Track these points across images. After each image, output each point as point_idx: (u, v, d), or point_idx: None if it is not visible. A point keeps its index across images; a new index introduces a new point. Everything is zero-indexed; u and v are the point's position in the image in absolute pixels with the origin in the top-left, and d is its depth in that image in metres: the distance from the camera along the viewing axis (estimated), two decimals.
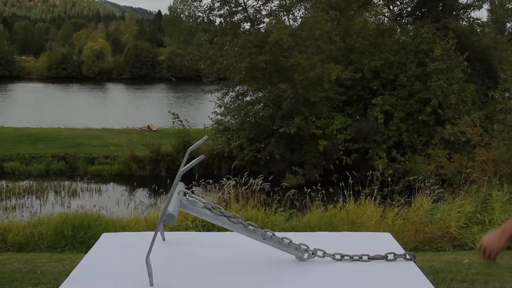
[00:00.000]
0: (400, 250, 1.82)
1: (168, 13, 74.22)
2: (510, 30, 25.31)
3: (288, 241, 1.72)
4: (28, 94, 42.66)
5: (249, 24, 19.14)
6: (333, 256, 1.74)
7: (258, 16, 18.87)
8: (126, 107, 36.63)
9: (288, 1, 19.03)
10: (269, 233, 1.70)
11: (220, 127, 17.71)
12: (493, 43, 17.40)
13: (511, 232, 1.90)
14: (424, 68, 16.15)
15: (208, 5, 18.82)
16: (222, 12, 18.82)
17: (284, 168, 15.99)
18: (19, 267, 5.11)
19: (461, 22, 18.60)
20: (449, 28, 17.14)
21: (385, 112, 16.24)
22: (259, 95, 18.01)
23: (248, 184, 7.81)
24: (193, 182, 9.66)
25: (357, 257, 1.74)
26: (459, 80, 15.93)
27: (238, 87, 18.15)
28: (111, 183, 16.24)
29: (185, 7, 59.52)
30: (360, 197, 7.52)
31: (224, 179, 8.09)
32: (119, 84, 55.13)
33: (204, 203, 1.64)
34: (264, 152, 16.11)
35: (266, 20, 18.93)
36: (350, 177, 8.09)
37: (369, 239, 2.10)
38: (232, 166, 10.19)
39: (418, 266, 1.72)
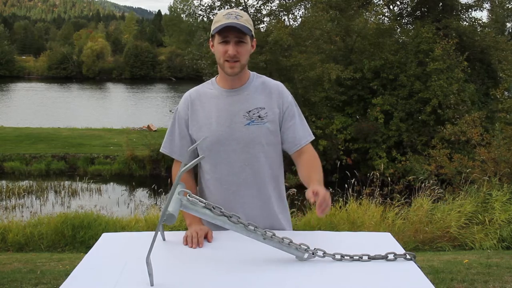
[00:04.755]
0: (400, 250, 1.81)
1: (168, 13, 74.20)
2: (510, 30, 25.32)
3: (288, 241, 1.72)
4: (28, 94, 42.69)
5: None
6: (333, 256, 1.74)
7: (258, 15, 18.88)
8: (126, 107, 36.63)
9: (288, 1, 19.03)
10: (269, 233, 1.70)
11: None
12: (493, 43, 17.39)
13: None
14: (424, 68, 16.16)
15: (209, 4, 18.88)
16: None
17: (284, 167, 15.96)
18: (19, 267, 5.11)
19: (461, 22, 18.59)
20: (450, 28, 17.14)
21: (385, 112, 16.25)
22: None
23: None
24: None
25: (357, 257, 1.74)
26: (459, 80, 15.93)
27: None
28: (111, 183, 16.24)
29: (185, 7, 59.52)
30: (360, 197, 7.51)
31: None
32: (119, 84, 55.13)
33: (204, 203, 1.64)
34: None
35: (266, 19, 18.96)
36: (352, 177, 8.09)
37: (369, 239, 2.09)
38: None
39: (418, 266, 1.72)
